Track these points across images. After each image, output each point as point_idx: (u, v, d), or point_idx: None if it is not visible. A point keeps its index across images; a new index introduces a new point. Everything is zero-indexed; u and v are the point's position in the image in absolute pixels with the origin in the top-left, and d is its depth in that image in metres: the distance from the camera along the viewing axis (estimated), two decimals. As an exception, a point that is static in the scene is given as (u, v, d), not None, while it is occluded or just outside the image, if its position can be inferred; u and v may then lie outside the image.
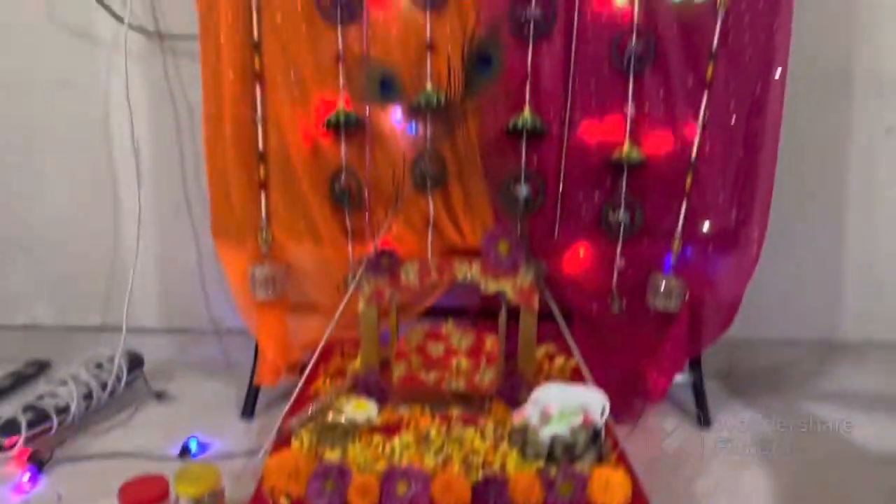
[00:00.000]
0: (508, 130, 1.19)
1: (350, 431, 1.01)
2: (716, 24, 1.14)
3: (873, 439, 1.34)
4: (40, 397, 1.27)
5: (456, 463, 0.95)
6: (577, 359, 1.20)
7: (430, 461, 0.95)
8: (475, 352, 1.14)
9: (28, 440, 1.19)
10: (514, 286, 1.13)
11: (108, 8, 1.35)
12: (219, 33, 1.17)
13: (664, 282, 1.23)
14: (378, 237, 1.17)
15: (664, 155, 1.21)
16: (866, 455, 1.29)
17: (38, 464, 1.16)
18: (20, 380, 1.46)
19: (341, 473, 0.88)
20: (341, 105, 1.19)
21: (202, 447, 1.24)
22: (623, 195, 1.22)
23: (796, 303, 1.58)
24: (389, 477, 0.89)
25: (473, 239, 1.24)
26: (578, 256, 1.26)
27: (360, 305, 1.15)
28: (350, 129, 1.20)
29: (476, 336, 1.16)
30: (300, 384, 1.16)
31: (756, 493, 1.15)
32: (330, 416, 1.03)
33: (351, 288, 1.15)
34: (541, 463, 0.95)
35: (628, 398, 1.36)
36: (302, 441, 0.99)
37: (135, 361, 1.47)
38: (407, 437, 1.01)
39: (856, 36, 1.44)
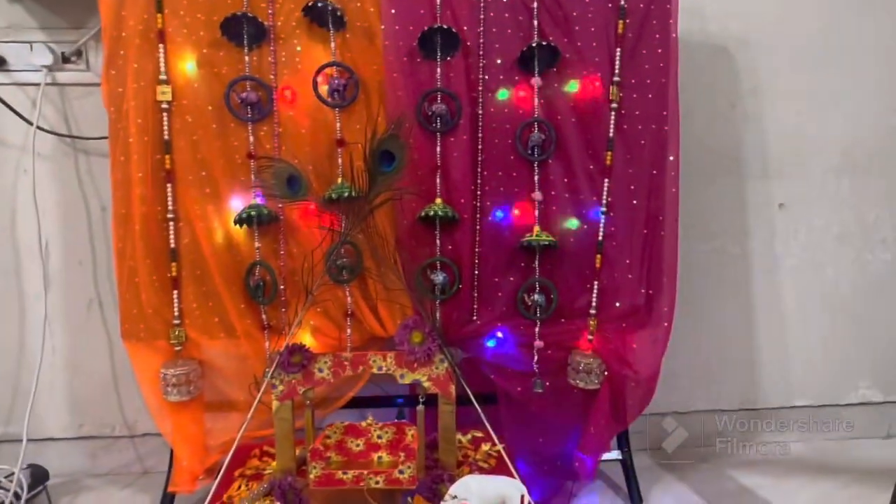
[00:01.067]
0: (421, 218, 1.22)
1: (262, 542, 0.96)
2: (610, 115, 1.22)
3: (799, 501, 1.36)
4: (-75, 525, 1.16)
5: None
6: (499, 445, 1.18)
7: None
8: (395, 445, 1.12)
9: None
10: (430, 375, 1.12)
11: (15, 111, 1.34)
12: (128, 134, 1.17)
13: (582, 361, 1.24)
14: (291, 332, 1.14)
15: (572, 237, 1.25)
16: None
17: None
18: None
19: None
20: (254, 200, 1.19)
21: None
22: (537, 277, 1.25)
23: (717, 373, 1.62)
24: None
25: (394, 327, 1.23)
26: (498, 339, 1.27)
27: (273, 404, 1.11)
28: (263, 223, 1.20)
29: (397, 429, 1.14)
30: (213, 489, 1.09)
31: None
32: (239, 526, 0.98)
33: (264, 385, 1.12)
34: (461, 562, 0.92)
35: (558, 480, 1.34)
36: (208, 556, 0.93)
37: (38, 476, 1.37)
38: (323, 543, 0.96)
39: (742, 121, 1.55)
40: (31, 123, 1.34)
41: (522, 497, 0.97)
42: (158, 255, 1.20)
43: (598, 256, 1.25)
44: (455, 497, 0.96)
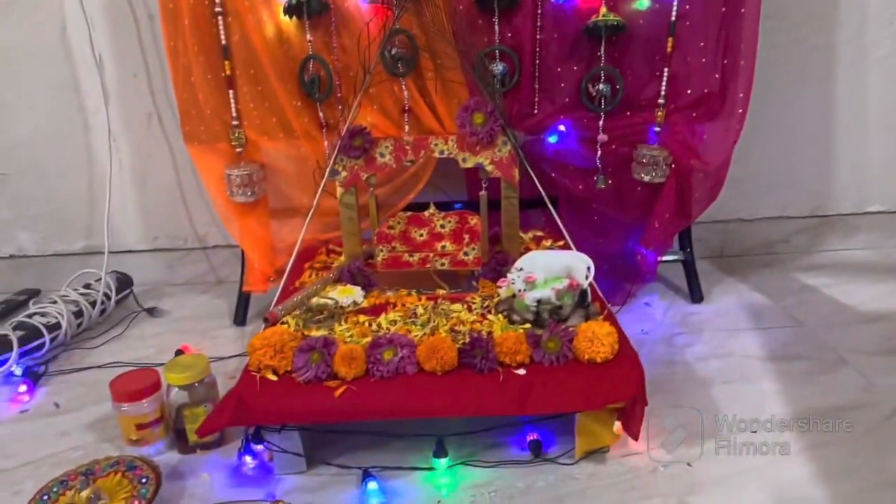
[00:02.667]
0: (478, 2, 1.14)
1: (335, 314, 1.01)
2: None
3: (865, 301, 1.34)
4: (31, 316, 1.27)
5: (443, 332, 0.94)
6: (565, 236, 1.18)
7: (417, 332, 0.95)
8: (458, 233, 1.13)
9: (21, 355, 1.19)
10: (493, 158, 1.10)
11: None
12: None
13: (648, 153, 1.20)
14: (350, 118, 1.13)
15: (642, 18, 1.16)
16: (857, 315, 1.29)
17: (32, 377, 1.17)
18: (12, 306, 1.45)
19: (327, 345, 0.88)
20: (304, -13, 1.13)
21: (196, 352, 1.24)
22: (603, 66, 1.18)
23: (787, 178, 1.55)
24: (375, 345, 0.88)
25: (451, 124, 1.20)
26: (560, 134, 1.23)
27: (338, 191, 1.12)
28: (314, 13, 1.14)
29: (459, 218, 1.14)
30: (284, 277, 1.14)
31: (748, 357, 1.16)
32: (315, 301, 1.02)
33: (326, 174, 1.12)
34: (527, 326, 0.94)
35: (617, 280, 1.35)
36: (288, 325, 0.98)
37: (124, 281, 1.46)
38: (393, 314, 1.00)
39: None
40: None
41: (588, 269, 0.97)
42: (211, 52, 1.18)
43: (670, 39, 1.16)
44: (521, 269, 0.97)
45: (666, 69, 1.18)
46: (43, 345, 1.23)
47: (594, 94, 1.20)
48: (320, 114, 1.21)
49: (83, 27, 1.35)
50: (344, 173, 1.11)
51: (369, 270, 1.13)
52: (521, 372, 0.87)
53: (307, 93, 1.19)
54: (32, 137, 1.45)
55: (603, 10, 1.14)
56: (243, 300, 1.38)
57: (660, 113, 1.20)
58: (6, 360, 1.17)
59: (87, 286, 1.39)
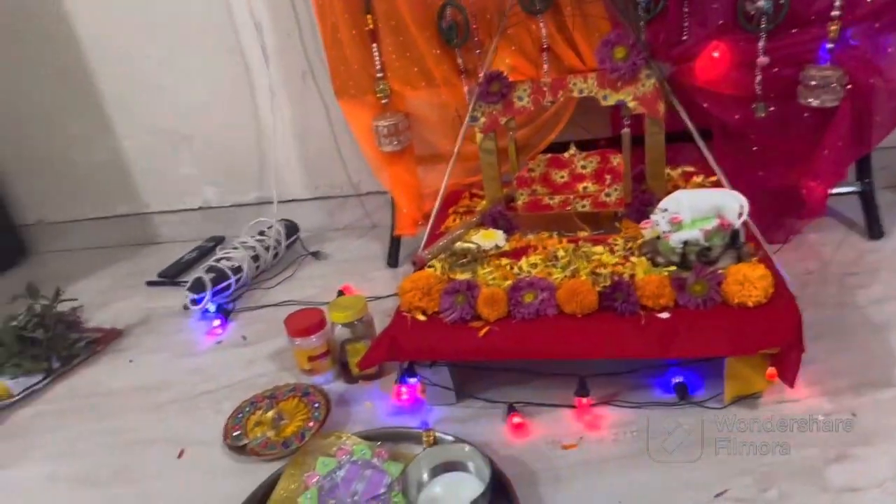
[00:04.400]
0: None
1: (479, 257, 1.05)
2: None
3: None
4: (218, 260, 1.46)
5: (583, 275, 0.94)
6: (717, 172, 1.11)
7: (557, 275, 0.96)
8: (600, 173, 1.10)
9: (213, 295, 1.38)
10: (636, 94, 1.05)
11: None
12: None
13: (818, 74, 1.07)
14: (486, 65, 1.13)
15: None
16: None
17: (224, 313, 1.36)
18: (203, 252, 1.68)
19: (470, 288, 0.93)
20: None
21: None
22: (763, -21, 1.06)
23: None
24: (516, 288, 0.91)
25: (593, 60, 1.16)
26: (713, 59, 1.13)
27: (477, 136, 1.14)
28: (448, -43, 1.15)
29: (601, 157, 1.11)
30: (430, 222, 1.20)
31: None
32: (459, 246, 1.07)
33: (466, 120, 1.14)
34: (672, 268, 0.92)
35: (780, 215, 1.25)
36: (435, 268, 1.04)
37: (291, 228, 1.62)
38: (534, 257, 1.02)
39: None
40: None
41: (741, 208, 0.92)
42: (354, 7, 1.23)
43: (847, -61, 1.01)
44: (665, 210, 0.94)
45: (842, -25, 1.03)
46: (230, 285, 1.42)
47: (753, 12, 1.08)
48: (459, 60, 1.23)
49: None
50: (483, 119, 1.13)
51: (510, 214, 1.15)
52: (665, 315, 0.86)
53: (445, 40, 1.21)
54: (207, 100, 1.62)
55: (764, -86, 1.02)
56: (395, 243, 1.47)
57: (833, 27, 1.06)
58: (202, 299, 1.37)
59: (262, 233, 1.56)
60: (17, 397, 1.17)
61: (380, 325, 1.12)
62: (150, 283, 1.58)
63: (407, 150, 1.36)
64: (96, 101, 1.66)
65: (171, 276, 1.58)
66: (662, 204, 0.95)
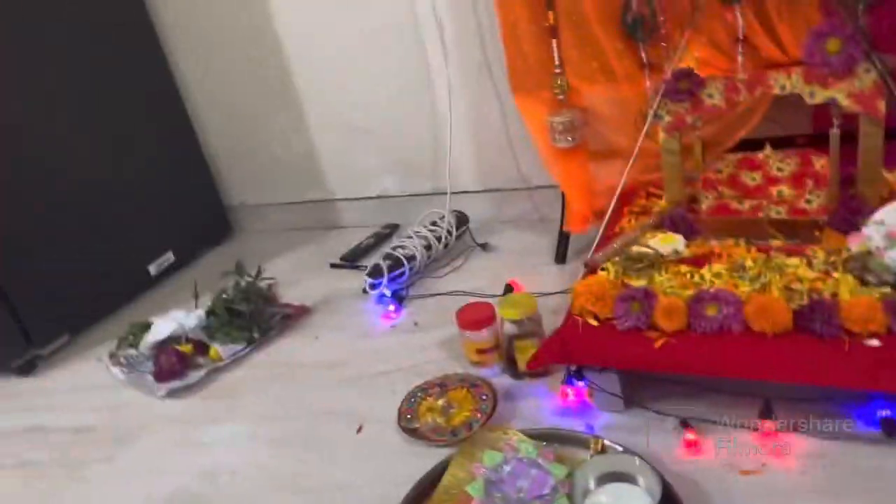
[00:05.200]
0: None
1: (656, 262, 1.01)
2: None
3: None
4: (394, 248, 1.55)
5: (775, 290, 0.87)
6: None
7: (744, 288, 0.90)
8: (800, 177, 1.01)
9: (389, 281, 1.47)
10: (850, 91, 0.94)
11: None
12: None
13: None
14: (675, 59, 1.07)
15: None
16: None
17: (398, 299, 1.44)
18: (380, 238, 1.79)
19: (648, 296, 0.90)
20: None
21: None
22: None
23: None
24: (699, 299, 0.87)
25: (797, 51, 1.05)
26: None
27: (660, 136, 1.09)
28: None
29: (801, 159, 1.01)
30: (604, 223, 1.18)
31: None
32: (635, 249, 1.04)
33: (649, 119, 1.10)
34: (886, 290, 0.82)
35: None
36: (608, 271, 1.02)
37: (462, 219, 1.67)
38: (718, 267, 0.96)
39: None
40: None
41: (982, 224, 0.79)
42: (535, 4, 1.23)
43: None
44: (882, 223, 0.84)
45: None
46: (404, 273, 1.50)
47: None
48: (642, 54, 1.18)
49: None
50: (668, 118, 1.07)
51: (692, 217, 1.09)
52: (874, 343, 0.77)
53: (629, 34, 1.17)
54: (388, 95, 1.72)
55: None
56: (563, 239, 1.46)
57: None
58: (380, 284, 1.46)
59: (434, 223, 1.62)
60: (226, 361, 1.34)
61: (546, 321, 1.12)
62: (333, 266, 1.72)
63: (581, 146, 1.34)
64: (296, 99, 1.82)
65: (350, 260, 1.70)
66: (878, 215, 0.85)
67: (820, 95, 0.96)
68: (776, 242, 0.99)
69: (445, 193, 1.67)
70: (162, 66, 1.85)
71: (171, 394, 1.27)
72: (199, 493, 1.02)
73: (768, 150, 1.03)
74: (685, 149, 1.12)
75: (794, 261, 0.93)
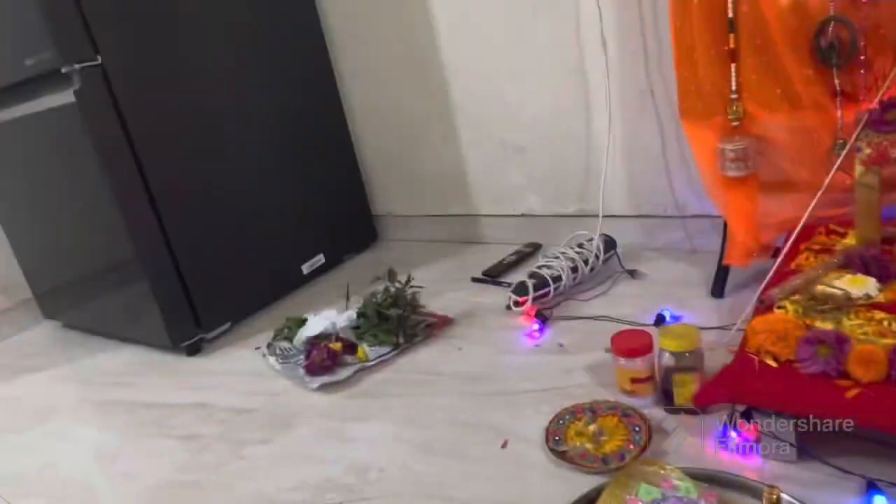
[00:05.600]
0: None
1: (844, 305, 0.93)
2: None
3: None
4: (540, 267, 1.54)
5: None
6: None
7: (957, 342, 0.80)
8: None
9: (533, 300, 1.47)
10: None
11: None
12: None
13: None
14: (885, 86, 0.99)
15: None
16: None
17: (542, 319, 1.43)
18: (522, 256, 1.79)
19: (840, 341, 0.83)
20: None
21: (674, 318, 1.32)
22: None
23: None
24: (901, 350, 0.79)
25: None
26: None
27: (857, 170, 1.01)
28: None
29: None
30: (780, 258, 1.10)
31: None
32: (820, 289, 0.96)
33: (844, 153, 1.02)
34: None
35: None
36: (786, 310, 0.95)
37: (609, 243, 1.63)
38: (921, 316, 0.87)
39: None
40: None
41: None
42: (716, 27, 1.18)
43: None
44: None
45: None
46: (549, 292, 1.49)
47: None
48: (836, 81, 1.10)
49: (595, 17, 1.52)
50: (868, 150, 0.99)
51: (888, 259, 0.99)
52: None
53: (823, 59, 1.09)
54: (544, 115, 1.73)
55: None
56: (722, 272, 1.38)
57: None
58: (525, 302, 1.46)
59: (580, 245, 1.60)
60: (372, 362, 1.40)
61: (708, 356, 1.06)
62: (475, 280, 1.74)
63: (752, 176, 1.27)
64: (450, 112, 1.88)
65: (493, 276, 1.72)
66: None
67: None
68: None
69: (593, 216, 1.65)
70: (326, 77, 1.99)
71: (322, 388, 1.34)
72: (348, 484, 1.06)
73: None
74: (885, 184, 1.02)
75: None
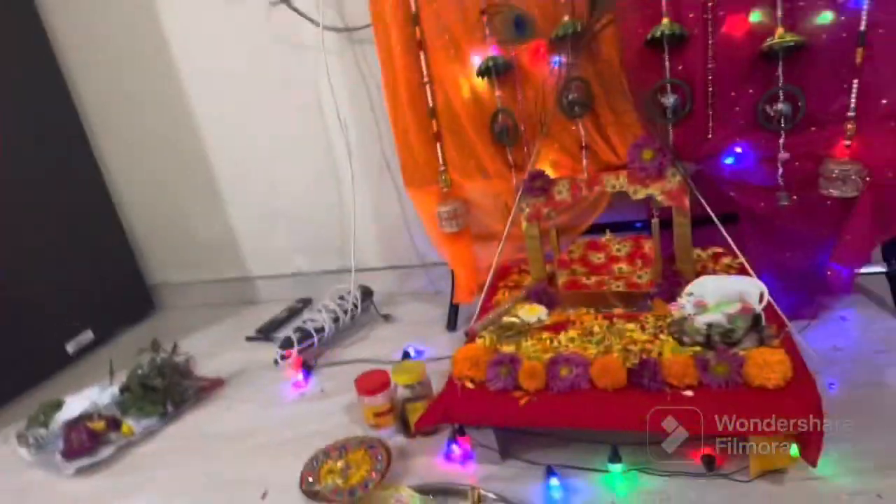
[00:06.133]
0: (648, 42, 1.10)
1: (523, 331, 1.06)
2: None
3: None
4: (304, 322, 1.53)
5: (615, 352, 0.94)
6: (741, 255, 1.09)
7: (592, 350, 0.96)
8: (633, 256, 1.11)
9: (299, 352, 1.45)
10: (663, 189, 1.06)
11: (306, 16, 1.52)
12: (384, 16, 1.26)
13: (837, 168, 1.05)
14: (531, 163, 1.17)
15: (825, 33, 1.02)
16: None
17: (308, 368, 1.42)
18: (293, 312, 1.77)
19: (513, 361, 0.94)
20: (489, 52, 1.20)
21: (418, 353, 1.40)
22: (781, 85, 1.06)
23: None
24: (554, 362, 0.92)
25: (627, 154, 1.18)
26: (737, 155, 1.13)
27: (523, 225, 1.18)
28: (500, 72, 1.21)
29: (634, 242, 1.12)
30: (482, 297, 1.23)
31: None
32: (506, 319, 1.09)
33: (514, 210, 1.18)
34: (697, 349, 0.90)
35: (806, 294, 1.20)
36: (484, 339, 1.07)
37: (366, 293, 1.68)
38: (572, 332, 1.03)
39: None
40: (317, 24, 1.51)
41: (761, 295, 0.90)
42: (421, 115, 1.31)
43: (860, 50, 1.00)
44: (691, 294, 0.93)
45: (856, 81, 1.02)
46: (313, 343, 1.48)
47: (772, 114, 1.08)
48: (509, 157, 1.28)
49: (331, 99, 1.59)
50: (527, 209, 1.16)
51: (552, 291, 1.16)
52: (689, 393, 0.84)
53: (498, 140, 1.27)
54: (301, 187, 1.75)
55: (780, 31, 1.03)
56: (454, 309, 1.50)
57: (850, 126, 1.05)
58: (290, 355, 1.43)
59: (342, 297, 1.63)
60: (137, 436, 1.26)
61: (438, 382, 1.14)
62: (249, 339, 1.67)
63: (465, 231, 1.41)
64: (212, 180, 1.82)
65: (265, 333, 1.67)
66: (689, 288, 0.94)
67: (641, 192, 1.08)
68: (617, 311, 1.08)
69: (351, 270, 1.69)
70: (81, 143, 1.80)
71: (80, 472, 1.18)
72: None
73: (609, 235, 1.14)
74: (544, 234, 1.21)
75: (631, 325, 1.01)
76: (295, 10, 1.53)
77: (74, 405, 1.30)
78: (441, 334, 1.50)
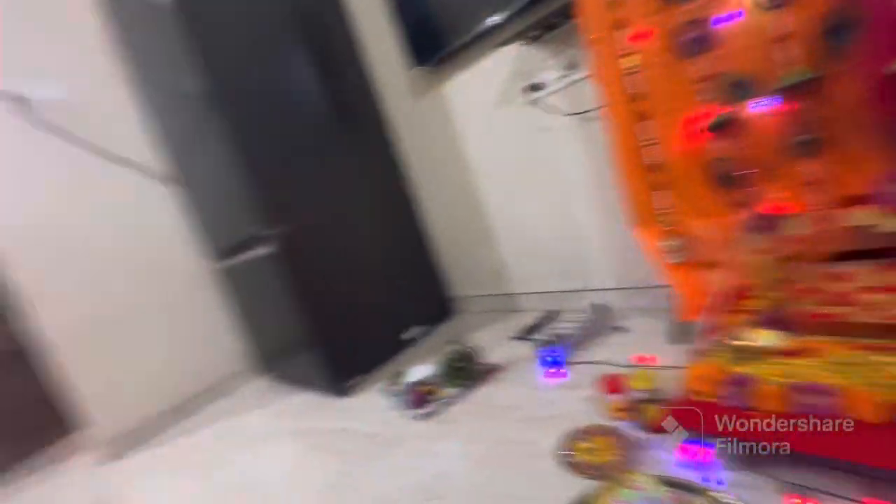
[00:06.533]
0: (891, 75, 0.83)
1: (757, 353, 0.88)
2: None
3: None
4: (555, 329, 1.54)
5: (867, 384, 0.71)
6: None
7: (838, 381, 0.74)
8: (888, 287, 0.82)
9: (553, 351, 1.45)
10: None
11: (549, 110, 1.56)
12: (611, 99, 1.21)
13: None
14: (755, 202, 0.97)
15: None
16: None
17: (560, 365, 1.41)
18: (544, 320, 1.78)
19: (750, 382, 0.79)
20: (717, 111, 1.05)
21: (647, 361, 1.26)
22: None
23: None
24: (794, 388, 0.74)
25: (866, 188, 0.89)
26: None
27: (748, 257, 0.98)
28: (725, 126, 1.05)
29: (887, 272, 0.83)
30: (706, 317, 1.06)
31: None
32: (738, 342, 0.92)
33: (739, 245, 1.00)
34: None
35: None
36: (715, 359, 0.92)
37: (604, 308, 1.61)
38: (809, 360, 0.81)
39: None
40: (560, 114, 1.53)
41: None
42: (640, 169, 1.21)
43: None
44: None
45: None
46: (562, 346, 1.47)
47: None
48: (732, 197, 1.08)
49: (575, 165, 1.57)
50: (754, 244, 0.97)
51: (790, 317, 0.94)
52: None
53: (720, 184, 1.09)
54: (553, 229, 1.76)
55: None
56: (677, 326, 1.33)
57: None
58: (546, 353, 1.45)
59: (583, 311, 1.58)
60: (448, 399, 1.43)
61: (667, 389, 1.02)
62: (513, 338, 1.75)
63: (688, 261, 1.24)
64: (491, 226, 1.95)
65: (525, 335, 1.72)
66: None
67: (892, 223, 0.80)
68: (867, 342, 0.81)
69: (591, 290, 1.63)
70: (415, 204, 2.09)
71: (416, 417, 1.38)
72: (431, 487, 1.08)
73: (853, 264, 0.87)
74: (779, 263, 0.98)
75: (885, 358, 0.75)
76: (543, 105, 1.58)
77: (412, 374, 1.54)
78: (666, 346, 1.34)
